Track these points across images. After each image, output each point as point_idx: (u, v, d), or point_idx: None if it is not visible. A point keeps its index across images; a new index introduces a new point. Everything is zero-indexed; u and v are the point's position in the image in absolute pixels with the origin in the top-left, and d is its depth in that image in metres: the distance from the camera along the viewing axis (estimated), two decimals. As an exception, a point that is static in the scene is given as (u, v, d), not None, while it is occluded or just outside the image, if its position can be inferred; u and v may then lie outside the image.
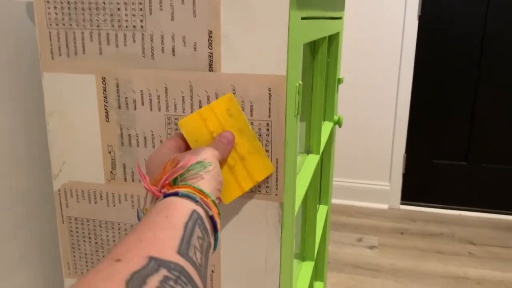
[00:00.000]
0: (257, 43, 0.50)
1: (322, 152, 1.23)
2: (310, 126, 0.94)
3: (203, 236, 0.39)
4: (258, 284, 0.57)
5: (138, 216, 0.45)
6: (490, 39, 2.14)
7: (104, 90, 0.56)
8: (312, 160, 0.89)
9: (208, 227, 0.41)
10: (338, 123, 1.22)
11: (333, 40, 1.13)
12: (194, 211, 0.39)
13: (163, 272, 0.31)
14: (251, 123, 0.52)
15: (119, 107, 0.56)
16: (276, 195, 0.54)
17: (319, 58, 0.90)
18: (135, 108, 0.56)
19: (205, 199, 0.41)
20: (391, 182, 2.38)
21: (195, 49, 0.52)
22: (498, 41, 2.13)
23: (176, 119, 0.55)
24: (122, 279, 0.29)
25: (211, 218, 0.41)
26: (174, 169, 0.43)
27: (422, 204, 2.40)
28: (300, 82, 0.57)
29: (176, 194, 0.40)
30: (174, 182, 0.43)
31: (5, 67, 0.71)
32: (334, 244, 2.01)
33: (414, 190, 2.40)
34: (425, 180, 2.38)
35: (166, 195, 0.41)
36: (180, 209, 0.38)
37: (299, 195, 0.67)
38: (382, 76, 2.28)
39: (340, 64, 1.27)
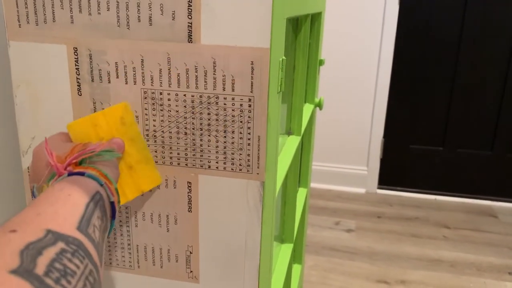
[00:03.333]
0: (240, 13, 0.47)
1: (303, 135, 1.22)
2: (292, 107, 0.92)
3: (102, 218, 0.39)
4: (238, 266, 0.55)
5: (33, 194, 0.44)
6: (469, 27, 2.15)
7: (76, 61, 0.53)
8: (293, 142, 0.88)
9: (108, 212, 0.41)
10: (319, 105, 1.20)
11: (315, 19, 1.11)
12: (97, 192, 0.39)
13: (61, 245, 0.30)
14: (233, 98, 0.50)
15: (92, 79, 0.53)
16: (258, 173, 0.52)
17: (302, 36, 0.88)
18: (109, 81, 0.53)
19: (109, 184, 0.42)
20: (368, 167, 2.40)
21: (173, 18, 0.49)
22: (477, 29, 2.15)
23: (153, 93, 0.52)
24: (17, 248, 0.28)
25: (112, 204, 0.42)
26: (84, 150, 0.43)
27: (399, 188, 2.42)
28: (284, 57, 0.55)
29: (82, 174, 0.40)
30: (80, 163, 0.43)
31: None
32: (312, 228, 2.02)
33: (391, 174, 2.42)
34: (402, 165, 2.40)
35: (70, 174, 0.41)
36: (84, 189, 0.38)
37: (280, 175, 0.65)
38: (361, 59, 2.27)
39: (322, 45, 1.25)
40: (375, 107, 2.31)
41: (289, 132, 0.93)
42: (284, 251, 0.92)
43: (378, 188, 2.43)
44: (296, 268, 1.26)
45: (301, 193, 1.22)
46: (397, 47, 2.23)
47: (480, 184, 2.34)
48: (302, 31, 0.88)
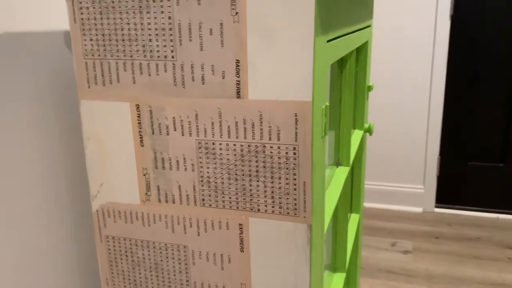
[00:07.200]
0: (283, 71, 0.51)
1: (352, 162, 1.23)
2: (339, 138, 0.95)
3: None
4: (288, 303, 0.58)
5: None
6: (527, 37, 2.07)
7: (138, 116, 0.59)
8: (342, 173, 0.90)
9: None
10: (369, 131, 1.21)
11: (361, 49, 1.13)
12: None
13: None
14: (278, 147, 0.54)
15: (153, 132, 0.59)
16: (304, 217, 0.55)
17: (347, 71, 0.90)
18: (167, 133, 0.58)
19: None
20: (425, 185, 2.34)
21: (223, 77, 0.54)
22: (536, 39, 2.06)
23: (206, 143, 0.57)
24: None
25: None
26: None
27: (458, 207, 2.35)
28: (327, 104, 0.58)
29: None
30: None
31: (47, 93, 0.75)
32: (367, 249, 2.00)
33: (449, 192, 2.35)
34: (460, 183, 2.33)
35: None
36: None
37: (328, 212, 0.68)
38: (414, 75, 2.24)
39: (370, 71, 1.26)
40: (429, 123, 2.26)
41: (337, 163, 0.95)
42: (337, 280, 0.94)
43: (436, 207, 2.37)
44: (351, 293, 1.26)
45: (353, 219, 1.23)
46: (450, 60, 2.19)
47: (547, 201, 2.22)
48: (347, 65, 0.90)
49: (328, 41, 0.59)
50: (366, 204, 2.44)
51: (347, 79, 0.91)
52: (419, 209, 2.37)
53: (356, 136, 1.15)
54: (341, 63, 0.90)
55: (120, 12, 0.56)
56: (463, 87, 2.21)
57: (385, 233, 2.14)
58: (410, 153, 2.34)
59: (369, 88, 1.25)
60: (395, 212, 2.35)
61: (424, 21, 2.17)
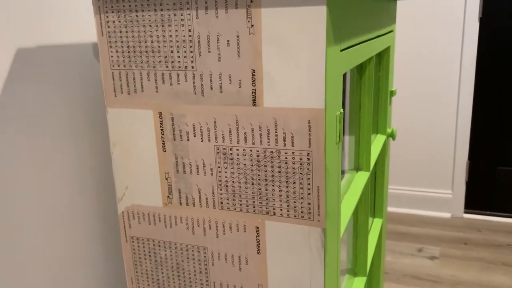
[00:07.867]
0: (296, 79, 0.53)
1: (375, 165, 1.24)
2: (359, 143, 0.96)
3: None
4: (304, 304, 0.60)
5: None
6: (559, 38, 2.02)
7: (161, 123, 0.62)
8: (362, 178, 0.91)
9: None
10: (392, 136, 1.22)
11: (383, 55, 1.14)
12: None
13: None
14: (293, 153, 0.56)
15: (174, 138, 0.62)
16: (318, 221, 0.57)
17: (366, 76, 0.92)
18: (188, 139, 0.61)
19: None
20: (453, 190, 2.31)
21: (240, 86, 0.56)
22: None
23: (224, 149, 0.59)
24: None
25: None
26: None
27: (488, 212, 2.30)
28: (341, 111, 0.60)
29: None
30: None
31: (77, 101, 0.80)
32: (392, 254, 1.99)
33: (478, 198, 2.31)
34: (490, 188, 2.28)
35: None
36: None
37: (345, 217, 0.69)
38: (442, 79, 2.21)
39: (393, 76, 1.27)
40: (458, 127, 2.23)
41: (357, 168, 0.96)
42: (357, 284, 0.94)
43: (465, 212, 2.33)
44: (373, 298, 1.26)
45: (376, 224, 1.23)
46: (479, 62, 2.16)
47: None
48: (366, 71, 0.91)
49: (343, 50, 0.61)
50: (393, 209, 2.42)
51: (367, 85, 0.92)
52: (447, 215, 2.33)
53: (378, 141, 1.16)
54: (360, 69, 0.92)
55: (144, 26, 0.59)
56: (492, 90, 2.17)
57: (412, 238, 2.12)
58: (439, 157, 2.31)
59: (392, 93, 1.25)
60: (422, 218, 2.32)
61: (452, 23, 2.14)
